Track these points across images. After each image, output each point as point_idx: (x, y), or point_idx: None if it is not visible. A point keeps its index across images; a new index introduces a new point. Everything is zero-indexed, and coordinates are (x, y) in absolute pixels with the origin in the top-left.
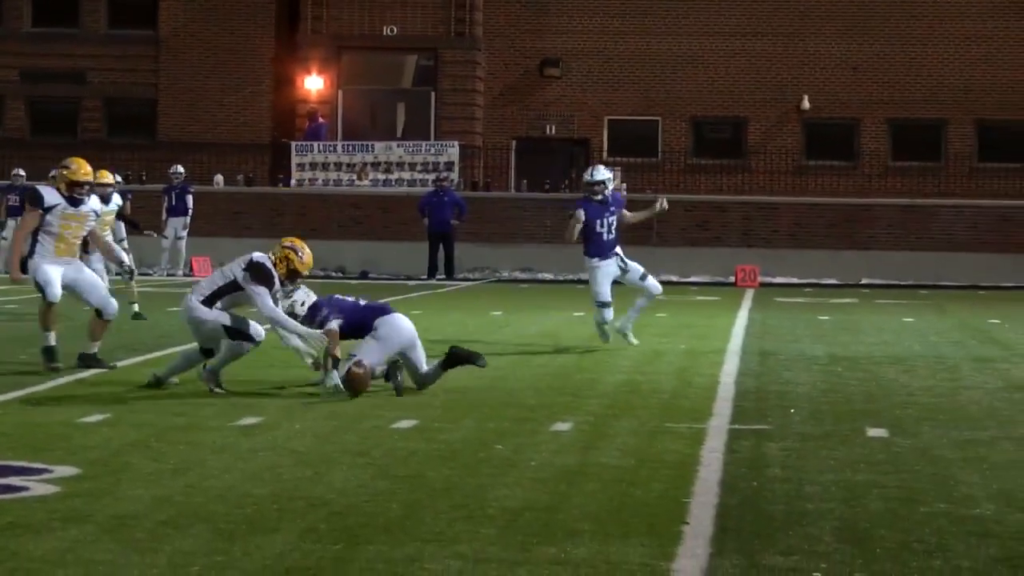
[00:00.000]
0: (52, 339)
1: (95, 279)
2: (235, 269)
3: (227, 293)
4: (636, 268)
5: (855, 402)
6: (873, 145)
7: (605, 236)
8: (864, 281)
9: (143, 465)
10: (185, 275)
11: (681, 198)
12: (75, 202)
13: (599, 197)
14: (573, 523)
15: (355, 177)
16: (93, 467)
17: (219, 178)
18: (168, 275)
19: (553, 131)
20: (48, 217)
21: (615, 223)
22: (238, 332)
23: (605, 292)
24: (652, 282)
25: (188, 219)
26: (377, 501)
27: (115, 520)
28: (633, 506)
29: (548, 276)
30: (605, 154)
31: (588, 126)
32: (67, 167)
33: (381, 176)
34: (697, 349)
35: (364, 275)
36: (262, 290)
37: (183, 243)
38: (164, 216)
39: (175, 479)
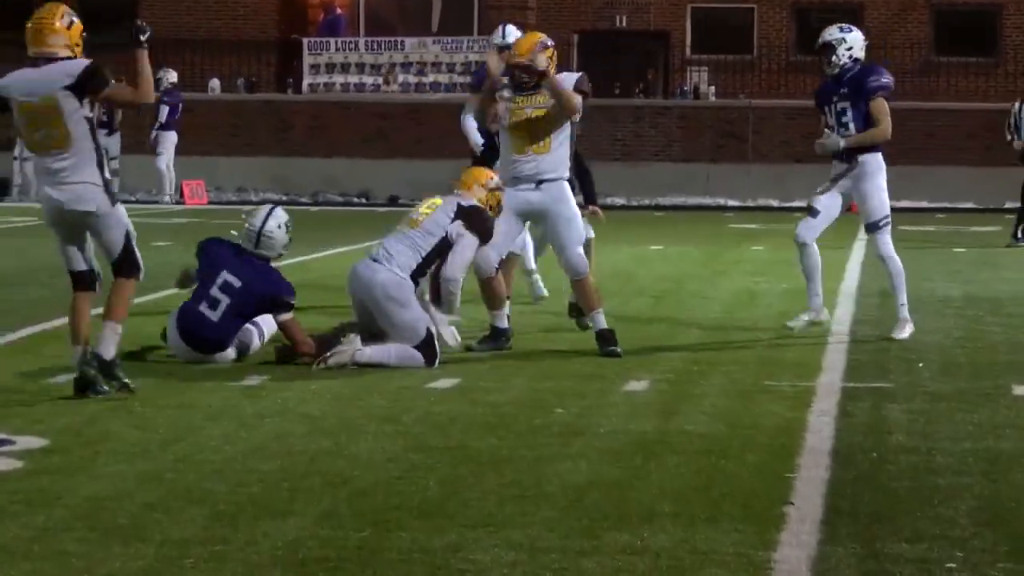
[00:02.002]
0: None
1: None
2: (440, 222)
3: (435, 259)
4: None
5: (998, 353)
6: (1019, 37)
7: None
8: (1008, 205)
9: (125, 434)
10: (178, 203)
11: (781, 104)
12: None
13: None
14: (651, 503)
15: (381, 81)
16: (64, 438)
17: (215, 83)
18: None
19: (624, 23)
20: None
21: None
22: (427, 347)
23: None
24: None
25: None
26: (411, 478)
27: (91, 502)
28: (724, 483)
29: (619, 201)
30: (688, 50)
31: (667, 16)
32: None
33: (413, 79)
34: (802, 289)
35: (393, 201)
36: (473, 242)
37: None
38: (153, 134)
39: (163, 452)
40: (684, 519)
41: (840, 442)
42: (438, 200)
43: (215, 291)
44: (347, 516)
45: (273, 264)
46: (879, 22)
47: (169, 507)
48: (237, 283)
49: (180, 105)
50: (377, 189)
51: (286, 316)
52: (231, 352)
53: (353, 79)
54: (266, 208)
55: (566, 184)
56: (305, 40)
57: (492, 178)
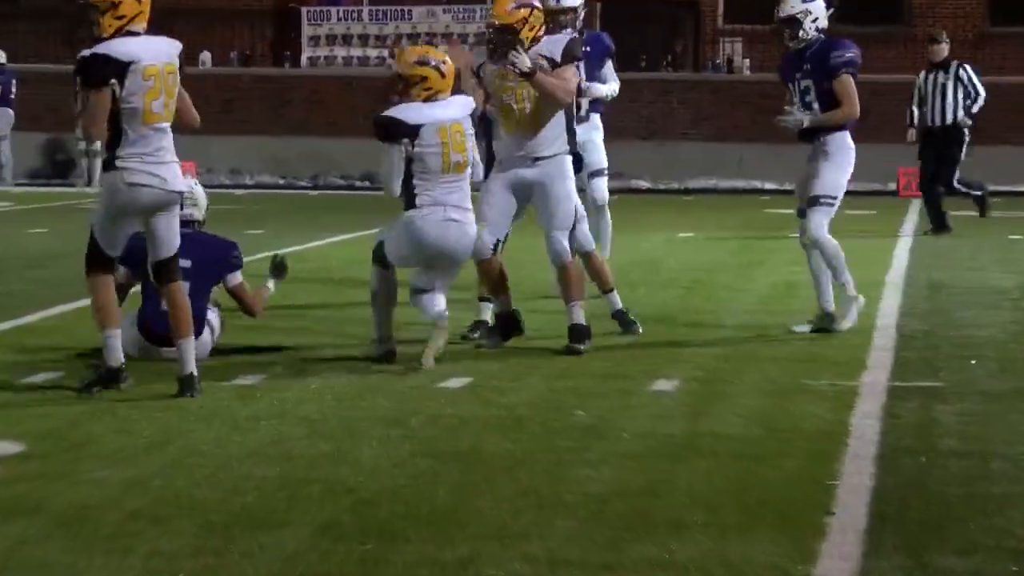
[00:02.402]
0: None
1: None
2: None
3: None
4: None
5: None
6: None
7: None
8: None
9: (108, 438)
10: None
11: None
12: None
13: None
14: (679, 513)
15: (386, 54)
16: (43, 442)
17: (206, 56)
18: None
19: None
20: None
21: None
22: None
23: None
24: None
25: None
26: (418, 485)
27: (73, 511)
28: (759, 490)
29: (645, 184)
30: (721, 20)
31: None
32: None
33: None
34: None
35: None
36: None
37: None
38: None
39: (150, 456)
40: (715, 530)
41: (885, 446)
42: (459, 128)
43: None
44: (350, 527)
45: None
46: None
47: (157, 516)
48: (187, 263)
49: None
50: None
51: (238, 279)
52: (207, 336)
53: (356, 52)
54: None
55: (566, 159)
56: (304, 9)
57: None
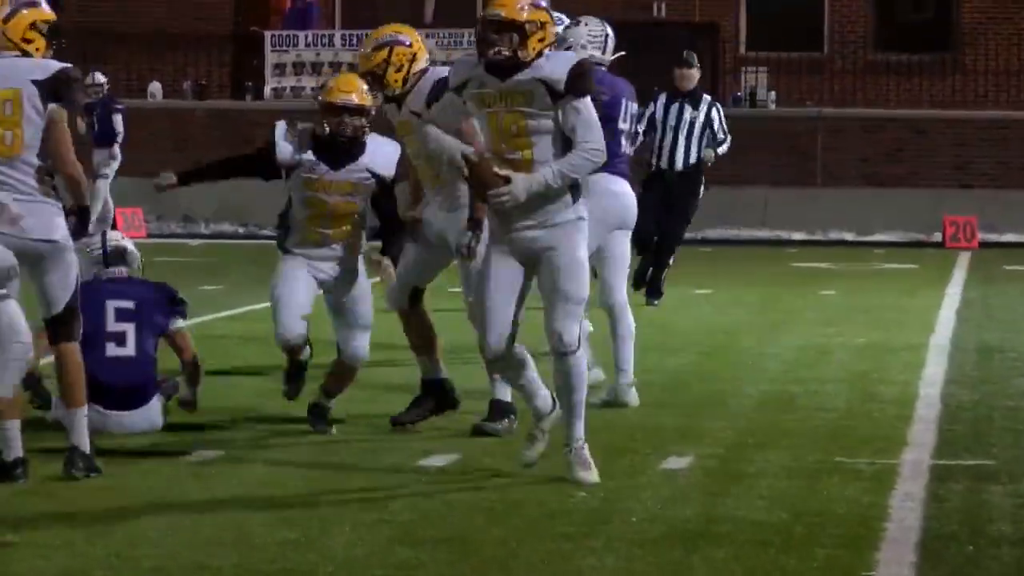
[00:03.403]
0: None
1: None
2: None
3: None
4: None
5: None
6: None
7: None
8: None
9: (44, 524)
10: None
11: (858, 113)
12: None
13: None
14: None
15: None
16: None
17: (155, 87)
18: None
19: (664, 12)
20: None
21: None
22: None
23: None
24: None
25: (116, 149)
26: (442, 514)
27: None
28: None
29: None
30: (743, 46)
31: (717, 4)
32: None
33: None
34: (883, 344)
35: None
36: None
37: (106, 184)
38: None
39: (92, 546)
40: None
41: (929, 532)
42: None
43: (113, 326)
44: None
45: None
46: (977, 12)
47: None
48: (130, 304)
49: (116, 116)
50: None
51: (182, 323)
52: (156, 404)
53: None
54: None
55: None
56: (267, 34)
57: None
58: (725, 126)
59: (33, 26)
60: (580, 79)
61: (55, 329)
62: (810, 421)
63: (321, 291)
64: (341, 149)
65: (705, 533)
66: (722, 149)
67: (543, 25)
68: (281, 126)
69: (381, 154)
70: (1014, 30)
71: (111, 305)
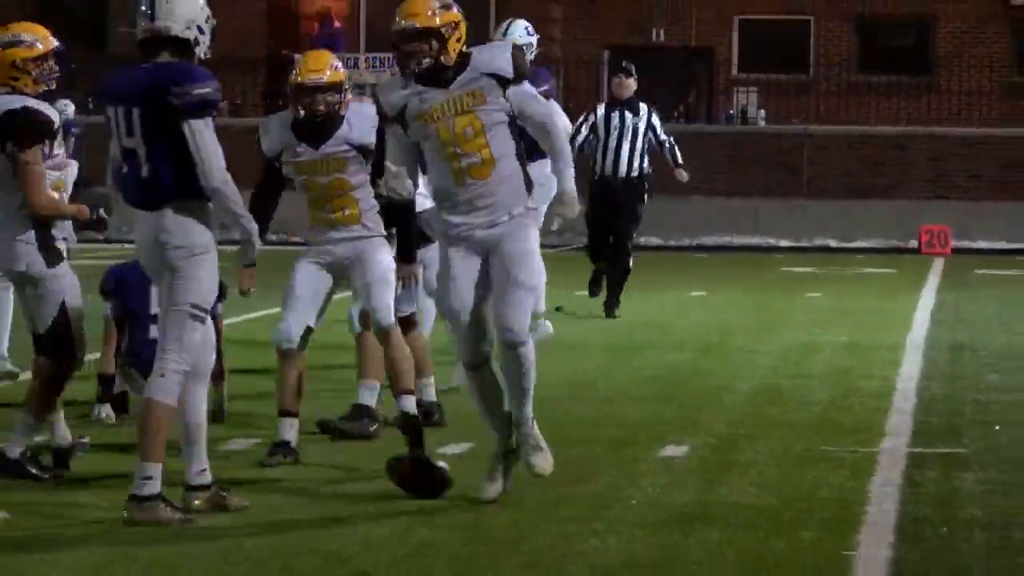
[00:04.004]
0: None
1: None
2: None
3: None
4: None
5: None
6: None
7: None
8: None
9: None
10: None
11: (842, 130)
12: None
13: None
14: None
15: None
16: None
17: None
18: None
19: (662, 37)
20: None
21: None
22: None
23: None
24: None
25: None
26: (417, 558)
27: None
28: (775, 562)
29: (655, 241)
30: (736, 68)
31: (711, 29)
32: None
33: None
34: (863, 343)
35: None
36: None
37: None
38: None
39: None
40: None
41: (906, 516)
42: None
43: (155, 308)
44: None
45: None
46: (954, 37)
47: None
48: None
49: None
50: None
51: (220, 309)
52: None
53: (354, 102)
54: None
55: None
56: (297, 57)
57: None
58: (663, 132)
59: (14, 65)
60: (521, 64)
61: (36, 343)
62: (797, 413)
63: (332, 288)
64: (318, 128)
65: (701, 517)
66: (679, 160)
67: (457, 24)
68: (262, 125)
69: (357, 123)
70: (985, 54)
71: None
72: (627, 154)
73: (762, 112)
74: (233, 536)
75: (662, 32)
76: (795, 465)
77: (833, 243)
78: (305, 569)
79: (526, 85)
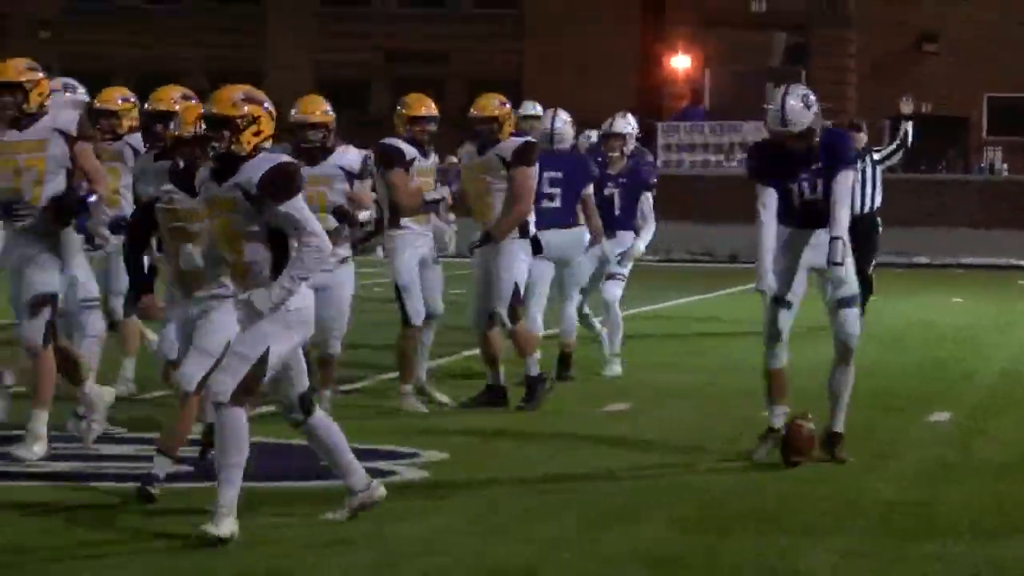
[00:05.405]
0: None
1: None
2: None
3: None
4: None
5: None
6: None
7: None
8: None
9: (509, 451)
10: None
11: None
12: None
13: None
14: (952, 520)
15: (723, 158)
16: (460, 452)
17: None
18: None
19: (929, 109)
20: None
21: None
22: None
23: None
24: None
25: None
26: (749, 490)
27: (479, 503)
28: (1016, 504)
29: (923, 260)
30: (984, 133)
31: (966, 103)
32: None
33: None
34: None
35: (733, 258)
36: None
37: None
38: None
39: (540, 467)
40: (982, 534)
41: None
42: None
43: None
44: (693, 523)
45: None
46: None
47: (545, 512)
48: None
49: None
50: (719, 248)
51: None
52: None
53: (699, 157)
54: None
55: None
56: (659, 124)
57: None
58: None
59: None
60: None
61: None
62: None
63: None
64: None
65: (959, 468)
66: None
67: (256, 119)
68: None
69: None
70: None
71: None
72: (859, 195)
73: (1005, 165)
74: (265, 513)
75: (929, 106)
76: None
77: None
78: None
79: (289, 206)
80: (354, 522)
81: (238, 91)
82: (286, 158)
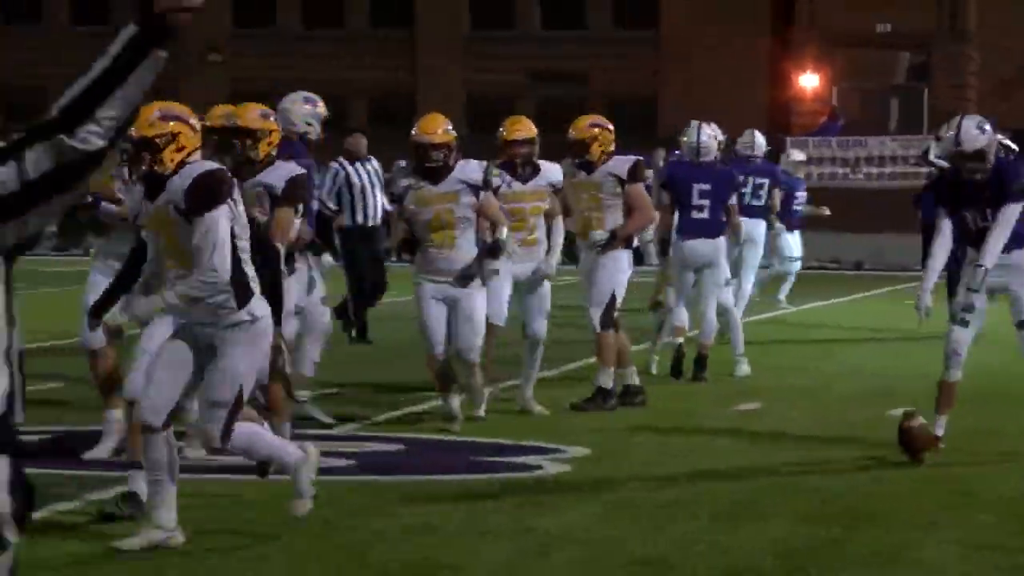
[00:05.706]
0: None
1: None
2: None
3: None
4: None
5: None
6: None
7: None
8: None
9: (647, 448)
10: None
11: None
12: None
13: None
14: None
15: (849, 171)
16: (602, 448)
17: None
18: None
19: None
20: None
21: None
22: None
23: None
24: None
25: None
26: (876, 485)
27: (618, 498)
28: None
29: None
30: None
31: None
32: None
33: (875, 170)
34: None
35: (858, 266)
36: None
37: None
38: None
39: (676, 464)
40: None
41: None
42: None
43: None
44: (818, 518)
45: None
46: None
47: (679, 507)
48: None
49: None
50: (846, 256)
51: None
52: None
53: (827, 170)
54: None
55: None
56: (787, 139)
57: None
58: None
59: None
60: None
61: None
62: None
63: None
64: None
65: None
66: None
67: (176, 136)
68: None
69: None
70: None
71: None
72: None
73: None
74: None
75: None
76: None
77: None
78: (795, 495)
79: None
80: (500, 515)
81: (154, 109)
82: (212, 166)
